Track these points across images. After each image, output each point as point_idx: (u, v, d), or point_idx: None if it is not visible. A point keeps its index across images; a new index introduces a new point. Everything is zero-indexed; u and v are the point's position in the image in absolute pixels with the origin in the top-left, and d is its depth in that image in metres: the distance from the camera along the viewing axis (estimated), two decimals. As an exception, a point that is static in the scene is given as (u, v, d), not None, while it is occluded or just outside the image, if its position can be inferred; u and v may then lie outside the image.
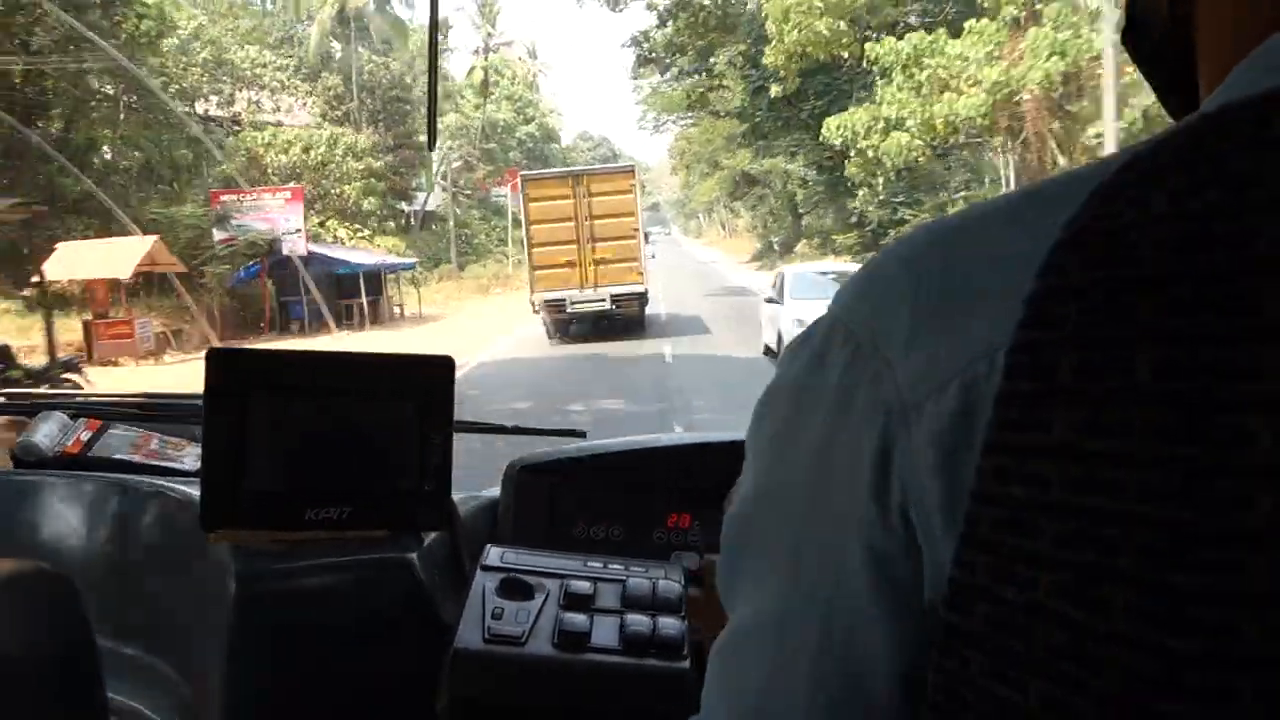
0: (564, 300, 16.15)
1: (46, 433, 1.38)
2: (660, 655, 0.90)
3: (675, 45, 31.72)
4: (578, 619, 0.92)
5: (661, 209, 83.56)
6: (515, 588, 0.96)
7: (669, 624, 0.93)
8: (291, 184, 25.09)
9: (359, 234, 29.57)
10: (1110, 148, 13.41)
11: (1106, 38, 13.94)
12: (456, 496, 1.17)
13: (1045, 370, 0.30)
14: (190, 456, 1.38)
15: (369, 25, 36.40)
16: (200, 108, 28.73)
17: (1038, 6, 16.63)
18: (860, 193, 22.52)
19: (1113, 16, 13.82)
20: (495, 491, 1.28)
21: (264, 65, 31.77)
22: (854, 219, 26.10)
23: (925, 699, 0.34)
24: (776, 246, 38.60)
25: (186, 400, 1.57)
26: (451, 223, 34.68)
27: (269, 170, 27.69)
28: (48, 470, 1.34)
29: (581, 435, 1.53)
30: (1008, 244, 0.36)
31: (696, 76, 32.86)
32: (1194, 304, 0.26)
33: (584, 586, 0.97)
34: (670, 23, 31.23)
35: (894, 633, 0.37)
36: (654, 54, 33.78)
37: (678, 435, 1.34)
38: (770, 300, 13.23)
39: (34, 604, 0.51)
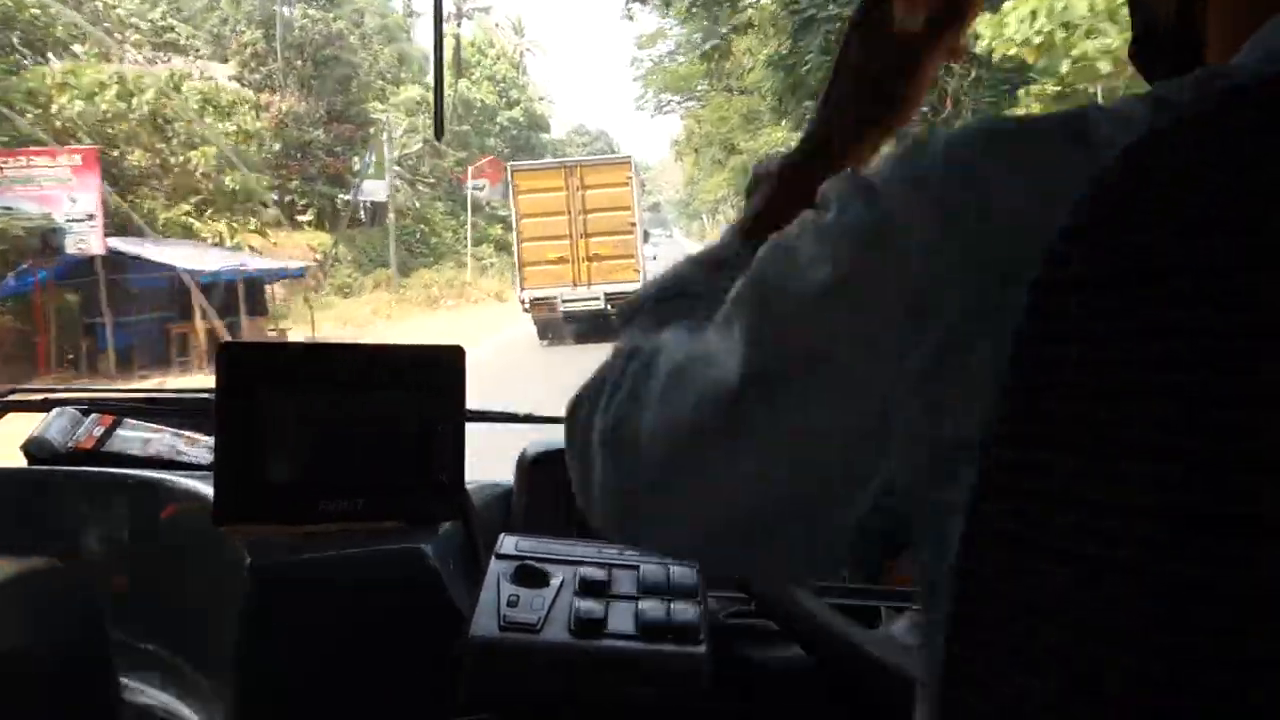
0: (554, 298, 15.07)
1: (59, 429, 1.38)
2: (676, 640, 0.90)
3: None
4: (593, 605, 0.92)
5: (662, 209, 77.84)
6: (530, 575, 0.96)
7: (684, 609, 0.93)
8: (89, 145, 14.79)
9: (246, 228, 20.17)
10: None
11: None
12: (470, 486, 1.17)
13: (1049, 363, 0.30)
14: (203, 451, 1.38)
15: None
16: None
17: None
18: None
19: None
20: (508, 480, 1.28)
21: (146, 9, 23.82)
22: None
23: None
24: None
25: (199, 395, 1.58)
26: (392, 216, 26.34)
27: (66, 126, 16.07)
28: (61, 466, 1.34)
29: None
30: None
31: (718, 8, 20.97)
32: (1194, 297, 0.26)
33: (599, 573, 0.97)
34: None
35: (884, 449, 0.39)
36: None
37: None
38: None
39: (50, 600, 0.52)
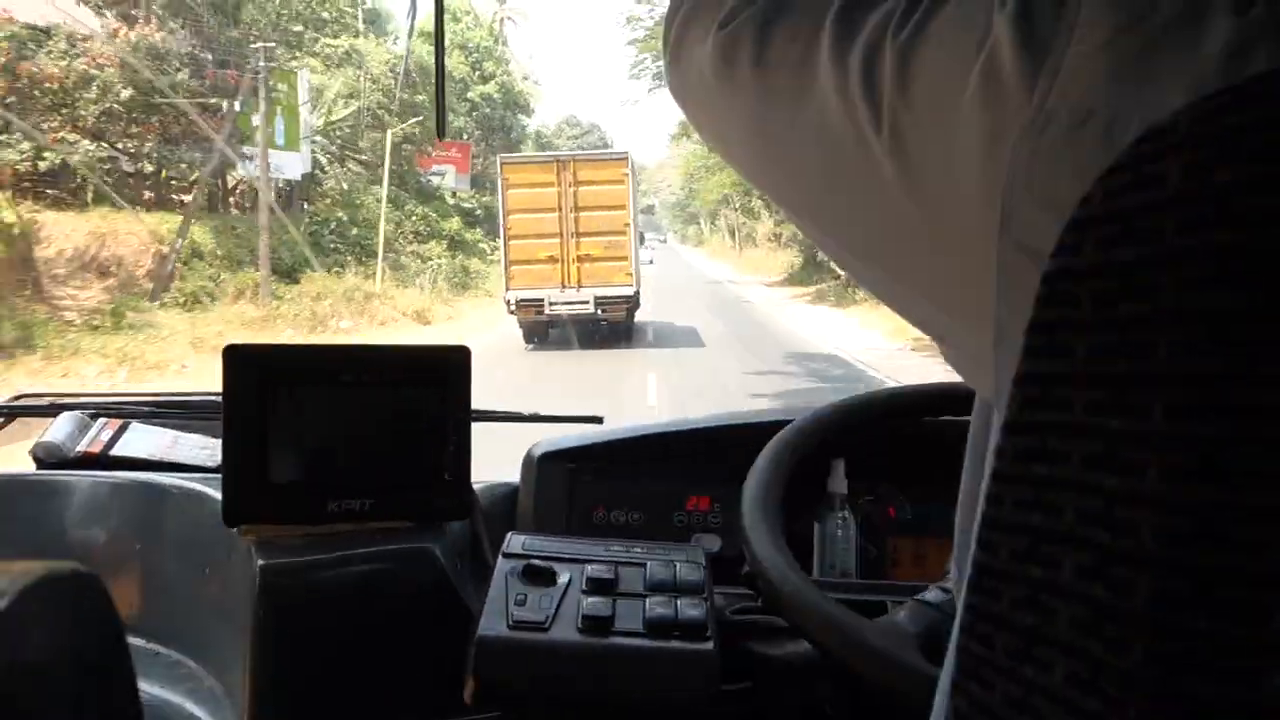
0: (542, 300, 14.12)
1: (67, 433, 1.39)
2: (684, 637, 0.90)
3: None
4: (601, 603, 0.92)
5: (656, 212, 71.73)
6: (537, 574, 0.96)
7: (691, 606, 0.93)
8: None
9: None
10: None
11: None
12: (476, 485, 1.17)
13: (1062, 351, 0.30)
14: (211, 453, 1.39)
15: None
16: None
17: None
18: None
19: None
20: (515, 479, 1.29)
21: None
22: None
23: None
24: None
25: (205, 397, 1.58)
26: (265, 198, 18.16)
27: None
28: (69, 471, 1.35)
29: (599, 421, 1.53)
30: None
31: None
32: (1212, 281, 0.26)
33: (606, 571, 0.97)
34: None
35: None
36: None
37: (696, 418, 1.34)
38: None
39: (66, 604, 0.52)
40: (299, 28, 23.31)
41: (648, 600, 0.94)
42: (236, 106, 19.04)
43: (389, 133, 23.33)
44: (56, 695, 0.49)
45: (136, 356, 12.93)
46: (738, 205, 38.43)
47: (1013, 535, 0.31)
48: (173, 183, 19.80)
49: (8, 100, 15.15)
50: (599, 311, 14.31)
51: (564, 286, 14.21)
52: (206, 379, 9.70)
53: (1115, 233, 0.29)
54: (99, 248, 15.39)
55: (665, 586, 0.96)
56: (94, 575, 0.53)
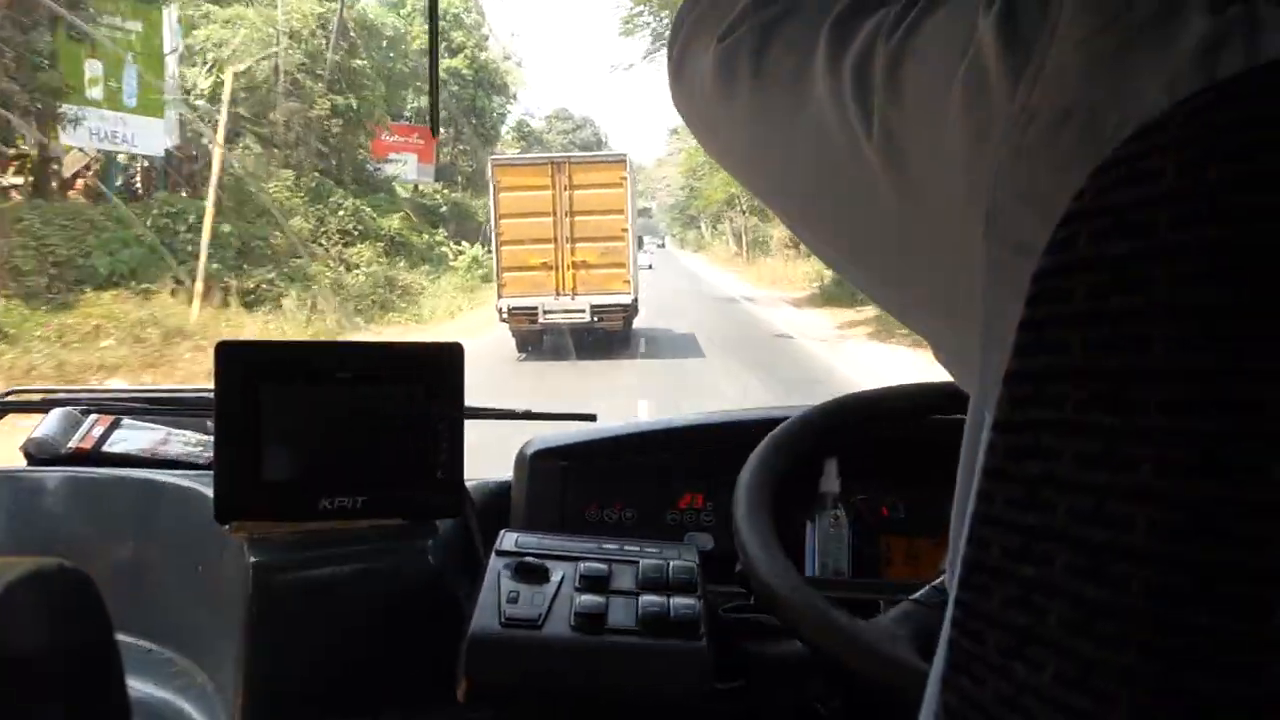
0: (535, 309, 13.44)
1: (59, 429, 1.39)
2: (677, 635, 0.91)
3: None
4: (594, 601, 0.92)
5: (653, 215, 66.96)
6: (530, 571, 0.96)
7: (684, 603, 0.93)
8: None
9: None
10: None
11: None
12: (469, 482, 1.17)
13: (1054, 347, 0.30)
14: (203, 450, 1.38)
15: None
16: None
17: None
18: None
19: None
20: (508, 476, 1.28)
21: None
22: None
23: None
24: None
25: (197, 393, 1.58)
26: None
27: None
28: (61, 467, 1.34)
29: (592, 418, 1.53)
30: None
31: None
32: (1207, 276, 0.26)
33: (599, 568, 0.97)
34: None
35: None
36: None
37: (689, 416, 1.34)
38: None
39: (55, 600, 0.52)
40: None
41: (640, 598, 0.94)
42: (51, 40, 12.57)
43: (319, 106, 18.32)
44: (43, 691, 0.49)
45: None
46: (746, 207, 34.27)
47: (1004, 532, 0.31)
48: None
49: None
50: (595, 320, 13.66)
51: (558, 294, 13.56)
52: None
53: (1108, 227, 0.29)
54: None
55: (658, 584, 0.96)
56: (82, 572, 0.53)
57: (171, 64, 15.50)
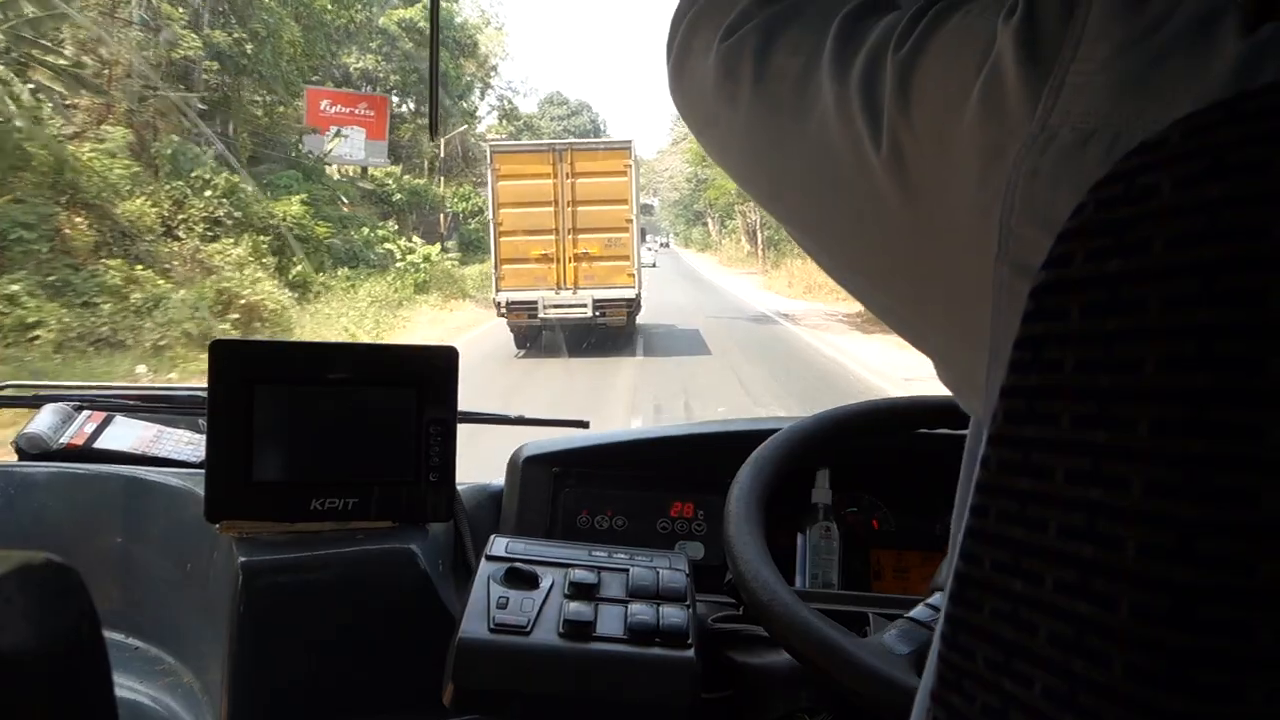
0: (535, 303, 12.77)
1: (51, 424, 1.38)
2: (665, 644, 0.90)
3: None
4: (583, 608, 0.92)
5: (655, 211, 62.63)
6: (520, 577, 0.96)
7: (673, 613, 0.93)
8: None
9: None
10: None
11: None
12: (460, 487, 1.17)
13: (1049, 365, 0.30)
14: (195, 448, 1.38)
15: None
16: None
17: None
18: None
19: None
20: (499, 482, 1.28)
21: None
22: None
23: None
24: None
25: (191, 392, 1.57)
26: None
27: None
28: (52, 462, 1.34)
29: (585, 425, 1.53)
30: None
31: None
32: (1201, 297, 0.26)
33: (588, 576, 0.97)
34: None
35: None
36: None
37: (681, 425, 1.34)
38: None
39: (42, 596, 0.51)
40: None
41: (630, 606, 0.94)
42: None
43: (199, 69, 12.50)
44: (27, 687, 0.49)
45: None
46: (755, 208, 28.27)
47: (995, 547, 0.31)
48: None
49: None
50: (598, 314, 12.93)
51: (559, 288, 12.89)
52: None
53: (1106, 245, 0.29)
54: None
55: (648, 593, 0.96)
56: (69, 567, 0.53)
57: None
